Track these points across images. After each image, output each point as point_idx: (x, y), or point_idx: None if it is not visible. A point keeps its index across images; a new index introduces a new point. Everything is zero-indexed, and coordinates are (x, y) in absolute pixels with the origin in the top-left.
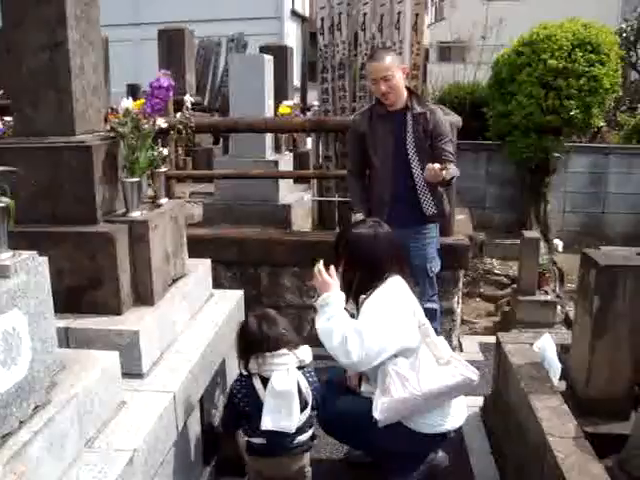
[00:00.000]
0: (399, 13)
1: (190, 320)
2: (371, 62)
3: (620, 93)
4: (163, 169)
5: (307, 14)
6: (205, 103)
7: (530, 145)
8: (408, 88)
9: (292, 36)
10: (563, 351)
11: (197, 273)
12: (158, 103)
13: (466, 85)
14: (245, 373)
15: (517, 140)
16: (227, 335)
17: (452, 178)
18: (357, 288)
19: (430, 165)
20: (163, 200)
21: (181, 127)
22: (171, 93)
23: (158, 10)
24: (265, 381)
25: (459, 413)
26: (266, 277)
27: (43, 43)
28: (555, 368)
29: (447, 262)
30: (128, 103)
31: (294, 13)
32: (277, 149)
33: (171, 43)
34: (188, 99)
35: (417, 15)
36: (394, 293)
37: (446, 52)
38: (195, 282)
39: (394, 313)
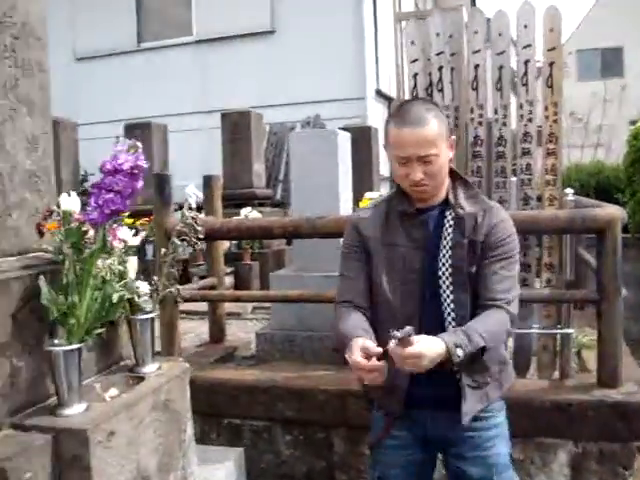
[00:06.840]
0: (526, 62)
1: None
2: (402, 126)
3: None
4: (150, 314)
5: (394, 95)
6: (278, 197)
7: None
8: (452, 170)
9: (378, 119)
10: None
11: None
12: (114, 200)
13: (588, 165)
14: None
15: None
16: None
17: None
18: None
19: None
20: (150, 367)
21: (177, 241)
22: (140, 183)
23: (225, 97)
24: None
25: None
26: (341, 443)
27: None
28: None
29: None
30: (71, 203)
31: (379, 93)
32: None
33: (235, 128)
34: (192, 192)
35: (552, 65)
36: None
37: None
38: None
39: None
